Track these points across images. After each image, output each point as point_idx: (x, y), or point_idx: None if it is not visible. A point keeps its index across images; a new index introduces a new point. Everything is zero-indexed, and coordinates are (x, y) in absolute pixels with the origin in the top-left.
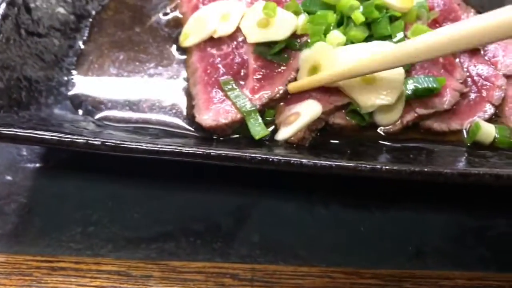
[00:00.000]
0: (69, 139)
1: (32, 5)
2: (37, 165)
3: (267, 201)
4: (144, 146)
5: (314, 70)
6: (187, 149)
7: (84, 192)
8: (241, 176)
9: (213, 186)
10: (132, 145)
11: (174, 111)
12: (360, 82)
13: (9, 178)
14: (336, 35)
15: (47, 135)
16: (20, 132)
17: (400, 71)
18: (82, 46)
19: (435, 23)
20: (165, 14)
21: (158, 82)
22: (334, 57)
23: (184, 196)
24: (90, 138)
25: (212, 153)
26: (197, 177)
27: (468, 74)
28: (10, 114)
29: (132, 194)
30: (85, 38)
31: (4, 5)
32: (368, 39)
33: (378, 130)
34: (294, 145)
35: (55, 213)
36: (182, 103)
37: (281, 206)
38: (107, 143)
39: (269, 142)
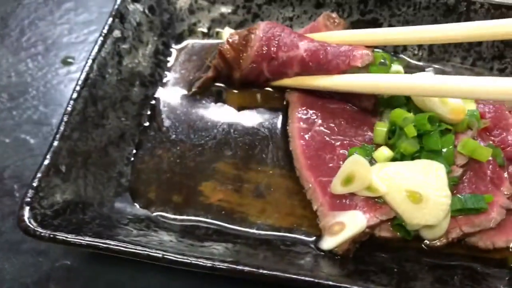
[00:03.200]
0: (131, 250)
1: (96, 93)
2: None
3: None
4: (201, 262)
5: (348, 180)
6: (241, 267)
7: (137, 281)
8: None
9: None
10: (191, 260)
11: (228, 208)
12: (407, 200)
13: (67, 262)
14: (383, 152)
15: (111, 244)
16: (87, 240)
17: (447, 193)
18: (142, 137)
19: (485, 131)
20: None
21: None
22: (367, 171)
23: None
24: (151, 251)
25: (264, 273)
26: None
27: None
28: (76, 215)
29: (181, 287)
30: (144, 128)
31: (75, 94)
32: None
33: (423, 244)
34: (338, 257)
35: None
36: (247, 206)
37: None
38: (166, 256)
39: (313, 249)
